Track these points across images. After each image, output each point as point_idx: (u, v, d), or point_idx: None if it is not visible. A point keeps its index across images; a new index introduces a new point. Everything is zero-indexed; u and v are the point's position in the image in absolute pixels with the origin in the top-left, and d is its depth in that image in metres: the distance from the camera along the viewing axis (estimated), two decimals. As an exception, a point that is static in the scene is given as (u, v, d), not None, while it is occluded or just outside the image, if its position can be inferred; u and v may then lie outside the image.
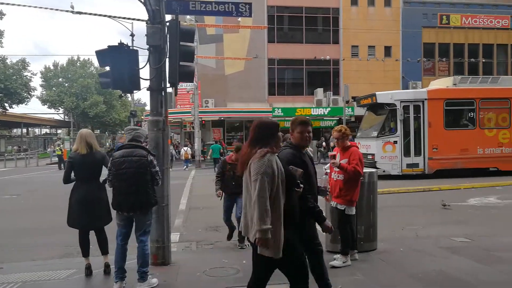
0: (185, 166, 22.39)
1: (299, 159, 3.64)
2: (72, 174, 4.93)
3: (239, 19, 21.14)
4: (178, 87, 27.48)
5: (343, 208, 5.15)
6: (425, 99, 15.37)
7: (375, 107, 16.84)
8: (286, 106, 27.89)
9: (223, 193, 6.36)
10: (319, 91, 28.67)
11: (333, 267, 4.92)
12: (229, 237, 6.49)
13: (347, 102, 25.64)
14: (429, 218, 8.41)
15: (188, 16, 19.07)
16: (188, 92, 25.51)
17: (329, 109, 27.77)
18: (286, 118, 27.85)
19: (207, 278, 4.85)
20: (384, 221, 7.92)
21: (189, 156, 23.34)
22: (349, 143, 5.35)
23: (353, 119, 27.66)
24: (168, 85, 5.50)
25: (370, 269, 5.04)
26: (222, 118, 27.63)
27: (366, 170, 5.97)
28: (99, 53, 5.29)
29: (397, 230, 7.33)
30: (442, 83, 17.34)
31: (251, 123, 3.67)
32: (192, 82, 5.18)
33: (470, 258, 5.40)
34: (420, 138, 15.40)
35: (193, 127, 26.06)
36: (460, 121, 16.43)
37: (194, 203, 10.74)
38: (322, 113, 27.88)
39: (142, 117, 38.82)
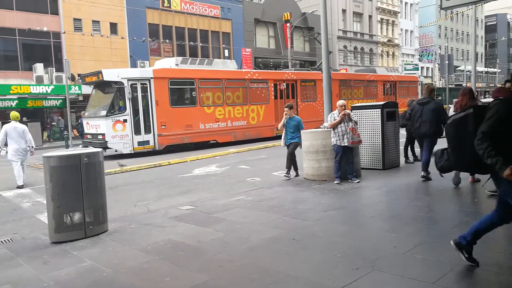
0: None
1: None
2: None
3: None
4: None
5: None
6: (151, 77, 15.90)
7: (103, 85, 16.32)
8: (-4, 83, 23.69)
9: None
10: (39, 67, 25.51)
11: None
12: None
13: (73, 80, 23.86)
14: (160, 192, 8.81)
15: None
16: None
17: (52, 87, 25.12)
18: (-4, 98, 23.77)
19: None
20: (117, 201, 7.85)
21: None
22: None
23: (81, 98, 26.05)
24: None
25: (100, 252, 4.86)
26: None
27: (90, 150, 5.68)
28: None
29: (129, 208, 7.35)
30: (166, 63, 18.28)
31: None
32: None
33: (194, 223, 5.94)
34: (149, 116, 15.91)
35: None
36: (184, 99, 17.82)
37: None
38: (45, 92, 25.01)
39: None
